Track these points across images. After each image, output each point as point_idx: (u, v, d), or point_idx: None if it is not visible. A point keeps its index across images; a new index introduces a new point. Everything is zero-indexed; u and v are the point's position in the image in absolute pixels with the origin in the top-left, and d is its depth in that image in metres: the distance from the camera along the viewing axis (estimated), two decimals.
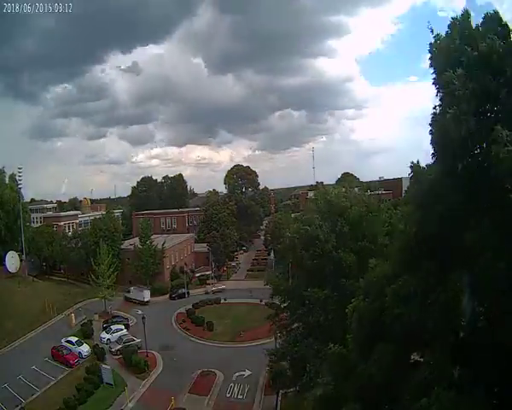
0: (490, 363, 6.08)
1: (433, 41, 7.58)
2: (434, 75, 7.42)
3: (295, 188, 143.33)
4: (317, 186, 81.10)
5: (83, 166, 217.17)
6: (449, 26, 7.50)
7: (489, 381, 6.06)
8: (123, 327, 42.42)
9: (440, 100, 7.23)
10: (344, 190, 24.53)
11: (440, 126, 6.72)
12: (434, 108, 7.52)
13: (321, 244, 20.29)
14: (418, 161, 7.83)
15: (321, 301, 19.67)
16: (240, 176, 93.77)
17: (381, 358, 6.66)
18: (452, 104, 6.35)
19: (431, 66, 7.53)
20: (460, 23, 7.18)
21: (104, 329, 42.18)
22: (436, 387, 5.72)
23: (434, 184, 6.77)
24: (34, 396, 29.64)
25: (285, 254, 26.17)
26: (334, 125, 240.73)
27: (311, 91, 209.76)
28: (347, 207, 21.41)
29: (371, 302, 7.38)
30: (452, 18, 7.35)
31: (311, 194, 77.04)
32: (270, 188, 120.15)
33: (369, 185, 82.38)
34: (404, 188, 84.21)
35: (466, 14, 7.14)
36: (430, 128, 7.50)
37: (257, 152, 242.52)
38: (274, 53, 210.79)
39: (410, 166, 7.72)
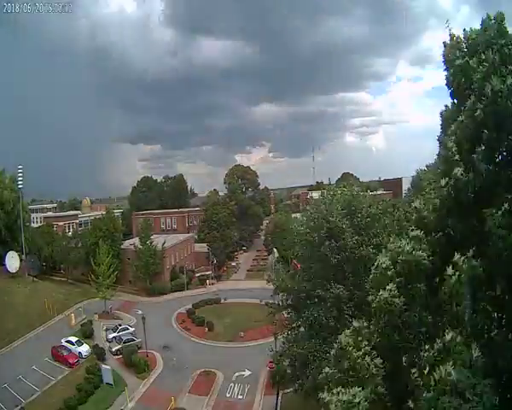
0: (503, 349, 6.12)
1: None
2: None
3: (295, 188, 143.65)
4: (320, 186, 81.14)
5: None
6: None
7: (501, 367, 6.11)
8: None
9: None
10: (356, 189, 24.15)
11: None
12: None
13: (345, 241, 19.87)
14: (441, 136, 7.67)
15: (338, 298, 19.15)
16: (240, 176, 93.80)
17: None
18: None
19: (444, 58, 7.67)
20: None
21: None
22: (452, 364, 5.80)
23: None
24: (34, 396, 29.63)
25: (293, 247, 25.19)
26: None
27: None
28: (364, 204, 21.23)
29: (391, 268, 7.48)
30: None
31: (313, 193, 77.09)
32: (270, 188, 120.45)
33: (369, 185, 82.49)
34: (404, 188, 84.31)
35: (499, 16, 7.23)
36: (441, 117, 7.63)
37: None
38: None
39: (438, 139, 7.59)
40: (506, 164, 6.41)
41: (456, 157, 6.66)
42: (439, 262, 6.96)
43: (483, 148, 6.40)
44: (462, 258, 6.35)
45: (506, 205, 6.04)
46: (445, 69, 7.84)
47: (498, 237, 5.96)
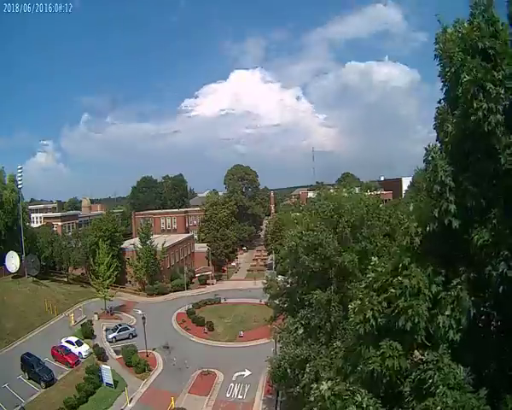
0: (493, 364, 6.04)
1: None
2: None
3: (295, 188, 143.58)
4: (318, 187, 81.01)
5: None
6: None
7: (492, 382, 6.01)
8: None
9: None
10: (344, 190, 24.45)
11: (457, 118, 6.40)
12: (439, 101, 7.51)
13: (323, 250, 20.35)
14: (430, 145, 7.28)
15: (323, 303, 19.72)
16: (240, 176, 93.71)
17: (384, 354, 6.55)
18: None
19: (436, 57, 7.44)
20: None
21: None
22: (441, 386, 5.65)
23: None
24: (34, 396, 29.66)
25: (285, 257, 26.12)
26: None
27: None
28: (348, 208, 21.44)
29: (375, 295, 7.19)
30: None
31: (311, 194, 77.10)
32: (269, 188, 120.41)
33: (369, 185, 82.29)
34: (404, 188, 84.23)
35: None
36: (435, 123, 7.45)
37: None
38: None
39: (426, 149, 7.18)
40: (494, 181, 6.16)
41: (446, 180, 6.36)
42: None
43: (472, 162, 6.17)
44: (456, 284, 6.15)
45: (494, 222, 5.82)
46: (439, 64, 7.61)
47: (486, 255, 5.79)
